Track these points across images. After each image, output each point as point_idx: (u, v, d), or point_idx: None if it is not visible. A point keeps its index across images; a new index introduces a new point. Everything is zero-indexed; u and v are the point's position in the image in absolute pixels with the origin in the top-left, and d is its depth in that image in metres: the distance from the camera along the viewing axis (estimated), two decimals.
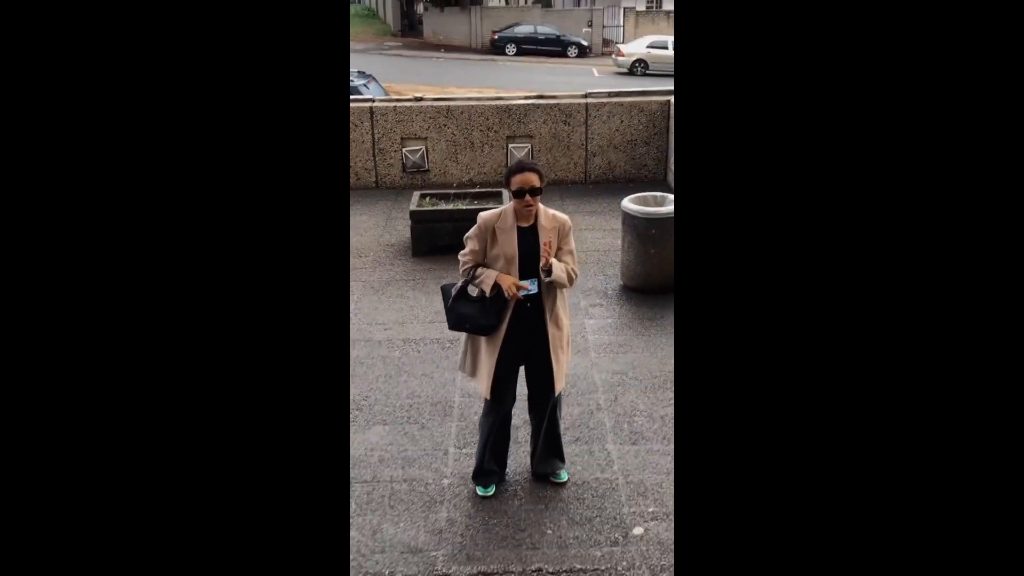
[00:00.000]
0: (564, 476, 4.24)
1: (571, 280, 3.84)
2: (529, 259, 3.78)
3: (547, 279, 3.70)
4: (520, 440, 4.53)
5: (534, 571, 3.58)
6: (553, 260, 3.71)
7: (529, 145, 9.32)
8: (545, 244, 3.68)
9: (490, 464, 4.16)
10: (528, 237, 3.78)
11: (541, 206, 3.83)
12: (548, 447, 4.20)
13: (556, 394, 3.99)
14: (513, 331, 3.84)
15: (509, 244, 3.77)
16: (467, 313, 3.84)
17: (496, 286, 3.74)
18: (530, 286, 3.74)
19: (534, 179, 3.70)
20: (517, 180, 3.71)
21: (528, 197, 3.70)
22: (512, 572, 3.57)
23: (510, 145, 9.33)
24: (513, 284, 3.72)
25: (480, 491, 4.16)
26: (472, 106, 9.32)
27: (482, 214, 3.88)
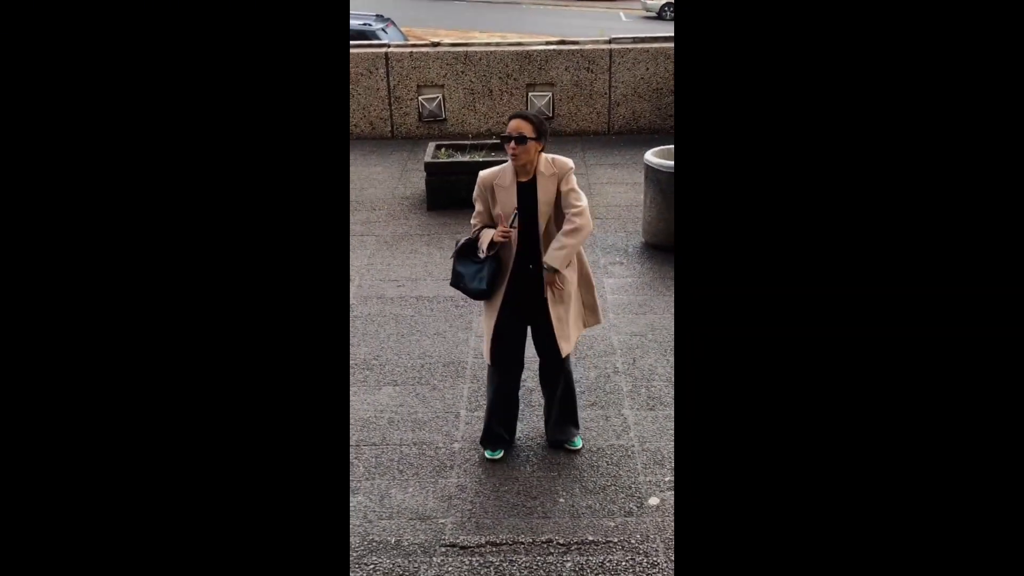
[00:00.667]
0: (578, 443, 4.19)
1: (579, 235, 3.69)
2: (530, 216, 3.69)
3: (551, 268, 3.72)
4: (534, 403, 4.48)
5: (544, 542, 3.54)
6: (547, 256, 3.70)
7: (550, 93, 9.12)
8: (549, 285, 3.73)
9: (498, 428, 4.13)
10: (528, 193, 3.69)
11: (544, 156, 3.71)
12: (563, 414, 4.14)
13: (564, 356, 3.91)
14: (512, 293, 3.79)
15: (508, 202, 3.70)
16: (462, 272, 3.84)
17: (492, 244, 3.69)
18: (509, 225, 3.68)
19: (524, 127, 3.59)
20: (509, 126, 3.64)
21: (513, 145, 3.59)
22: (522, 543, 3.54)
23: (530, 93, 9.13)
24: (500, 233, 3.67)
25: (488, 454, 4.13)
26: (491, 52, 9.11)
27: (481, 172, 3.81)
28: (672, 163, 6.19)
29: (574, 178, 3.72)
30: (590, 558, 3.44)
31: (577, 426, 4.22)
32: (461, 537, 3.59)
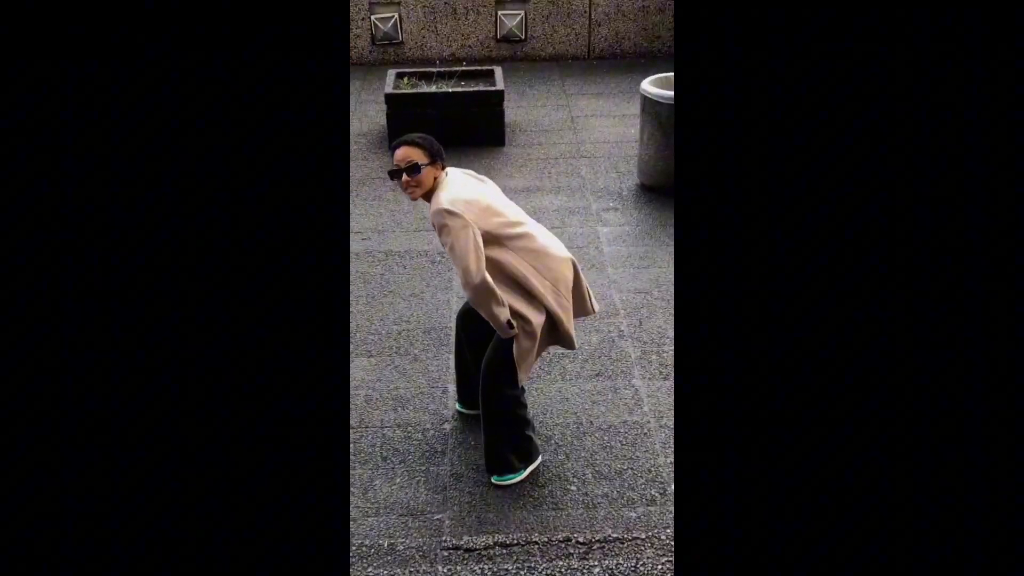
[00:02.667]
0: (501, 480, 3.71)
1: (493, 318, 3.32)
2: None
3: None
4: (533, 375, 4.28)
5: (562, 541, 3.37)
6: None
7: (522, 12, 8.74)
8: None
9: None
10: None
11: (450, 180, 3.32)
12: (486, 444, 3.73)
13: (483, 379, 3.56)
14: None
15: None
16: None
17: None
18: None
19: (413, 153, 3.27)
20: (395, 157, 3.31)
21: (406, 178, 3.27)
22: (536, 543, 3.36)
23: (499, 12, 8.75)
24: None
25: (459, 406, 4.12)
26: None
27: None
28: (674, 94, 5.94)
29: (449, 231, 3.21)
30: (619, 560, 3.28)
31: (501, 469, 3.70)
32: (464, 537, 3.40)
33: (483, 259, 3.23)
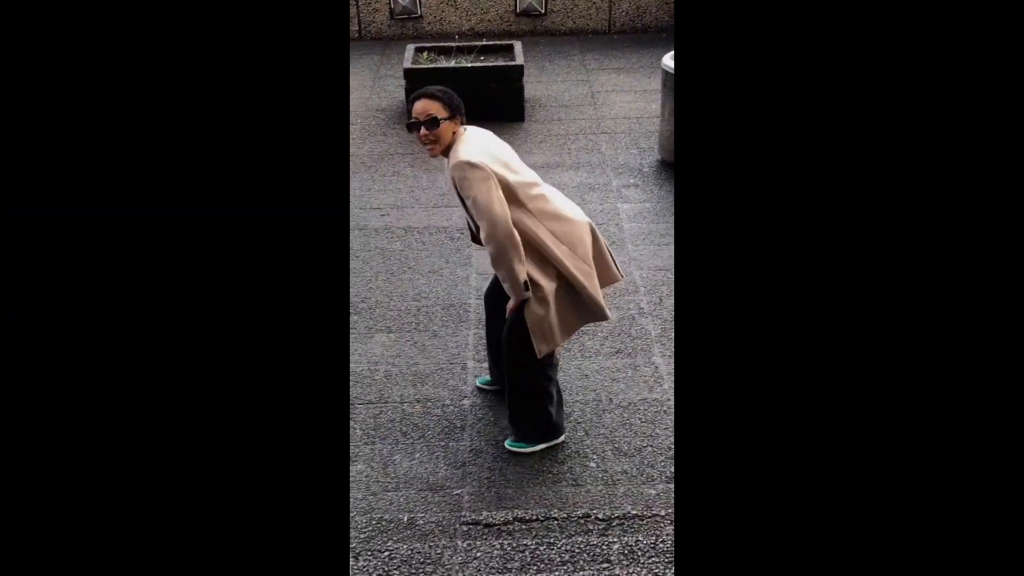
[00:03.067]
0: (512, 446, 3.75)
1: (512, 275, 3.26)
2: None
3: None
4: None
5: (581, 517, 3.38)
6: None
7: None
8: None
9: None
10: None
11: (468, 135, 3.28)
12: (508, 412, 3.78)
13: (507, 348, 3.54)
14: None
15: (450, 191, 3.49)
16: None
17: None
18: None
19: (432, 107, 3.22)
20: (414, 109, 3.26)
21: (424, 132, 3.23)
22: (555, 519, 3.37)
23: None
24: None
25: (479, 382, 4.14)
26: None
27: None
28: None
29: (471, 184, 3.15)
30: (639, 537, 3.28)
31: (522, 436, 3.74)
32: (484, 512, 3.41)
33: (507, 210, 3.19)
